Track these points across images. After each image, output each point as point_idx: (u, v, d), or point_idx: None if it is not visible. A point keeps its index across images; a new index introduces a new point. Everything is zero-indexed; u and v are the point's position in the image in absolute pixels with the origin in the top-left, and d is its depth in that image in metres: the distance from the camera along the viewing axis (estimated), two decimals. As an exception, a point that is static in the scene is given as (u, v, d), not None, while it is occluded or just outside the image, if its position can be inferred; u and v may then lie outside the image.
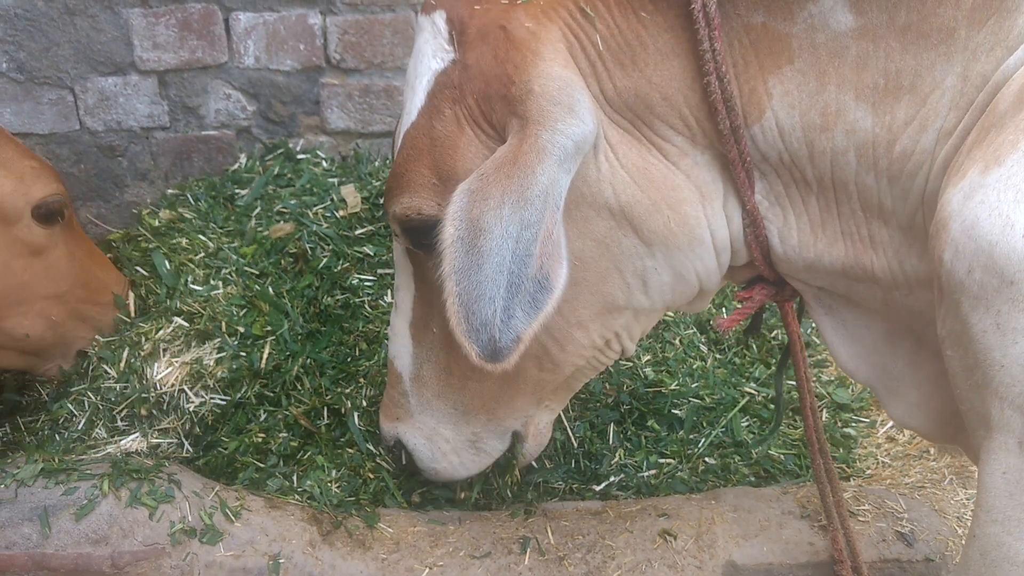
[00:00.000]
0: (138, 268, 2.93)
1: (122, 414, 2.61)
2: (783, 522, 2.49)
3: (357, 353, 2.82)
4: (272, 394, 2.74)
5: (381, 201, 3.11)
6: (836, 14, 1.62)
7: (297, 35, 3.23)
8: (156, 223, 3.03)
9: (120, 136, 3.34)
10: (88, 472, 2.24)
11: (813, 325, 2.99)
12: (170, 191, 3.32)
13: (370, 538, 2.33)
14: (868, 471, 2.88)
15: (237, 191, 3.26)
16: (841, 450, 2.90)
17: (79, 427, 2.59)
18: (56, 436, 2.58)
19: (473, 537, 2.38)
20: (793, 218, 1.81)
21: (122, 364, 2.66)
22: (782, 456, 2.77)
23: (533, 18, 1.73)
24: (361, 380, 2.75)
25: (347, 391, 2.70)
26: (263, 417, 2.69)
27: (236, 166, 3.36)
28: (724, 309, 3.21)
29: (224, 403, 2.61)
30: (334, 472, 2.52)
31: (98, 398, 2.63)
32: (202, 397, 2.62)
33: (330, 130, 3.41)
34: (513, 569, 2.32)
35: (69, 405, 2.63)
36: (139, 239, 3.03)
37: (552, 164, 1.61)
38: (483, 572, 2.31)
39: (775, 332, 3.26)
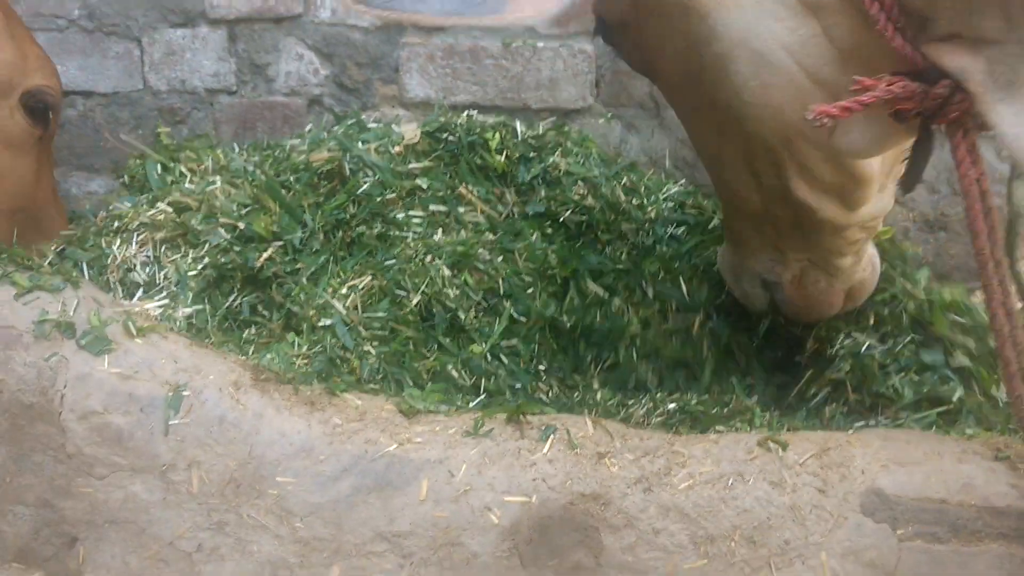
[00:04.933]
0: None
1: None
2: (963, 458, 1.59)
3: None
4: (266, 312, 2.15)
5: (443, 135, 2.61)
6: None
7: (378, -15, 2.93)
8: (172, 143, 2.64)
9: (183, 99, 3.05)
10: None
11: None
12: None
13: (325, 402, 1.62)
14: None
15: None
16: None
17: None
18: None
19: (472, 418, 1.62)
20: None
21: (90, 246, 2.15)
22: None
23: None
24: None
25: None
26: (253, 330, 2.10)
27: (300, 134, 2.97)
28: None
29: None
30: (305, 348, 1.86)
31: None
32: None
33: (408, 100, 3.00)
34: (524, 456, 1.54)
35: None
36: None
37: None
38: (476, 455, 1.53)
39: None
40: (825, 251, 1.89)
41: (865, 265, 2.01)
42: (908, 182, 1.62)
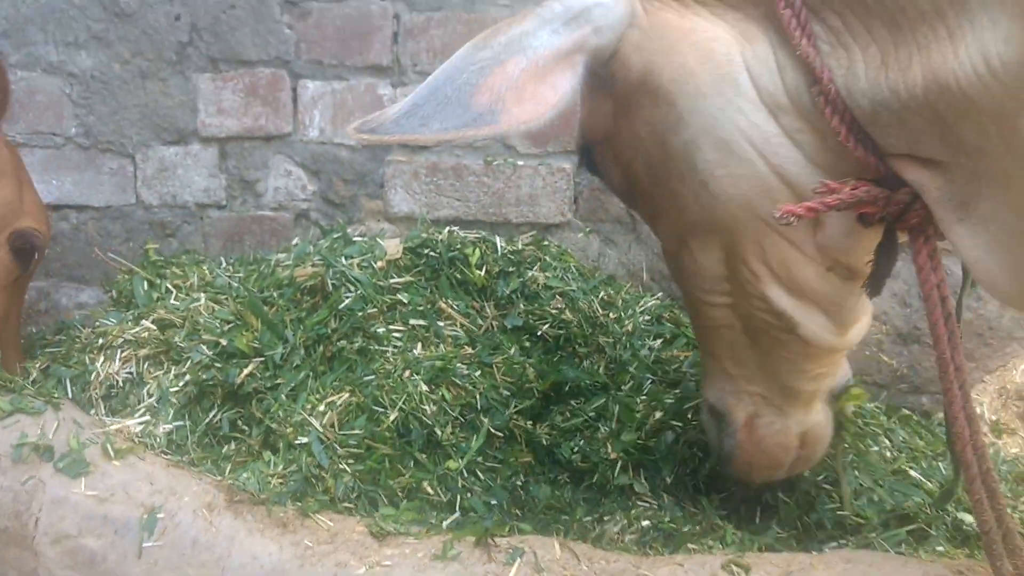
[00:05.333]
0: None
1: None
2: (926, 581, 1.61)
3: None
4: (246, 427, 2.19)
5: (424, 250, 2.68)
6: None
7: (365, 106, 3.04)
8: (159, 259, 2.71)
9: (174, 213, 3.13)
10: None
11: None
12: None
13: (297, 524, 1.65)
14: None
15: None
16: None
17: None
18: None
19: (442, 540, 1.64)
20: (859, 54, 1.43)
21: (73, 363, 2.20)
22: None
23: None
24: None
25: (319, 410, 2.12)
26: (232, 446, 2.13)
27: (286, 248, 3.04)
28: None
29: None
30: (281, 467, 1.89)
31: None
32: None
33: (393, 215, 3.09)
34: (490, 581, 1.55)
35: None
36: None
37: (530, 20, 1.63)
38: (445, 578, 1.55)
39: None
40: (787, 381, 1.80)
41: (819, 408, 1.92)
42: (874, 286, 1.67)
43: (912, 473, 2.27)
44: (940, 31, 1.31)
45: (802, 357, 1.75)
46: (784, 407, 1.84)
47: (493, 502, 2.13)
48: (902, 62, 1.36)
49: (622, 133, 1.71)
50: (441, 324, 2.51)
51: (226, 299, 2.44)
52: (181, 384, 2.16)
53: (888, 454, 2.41)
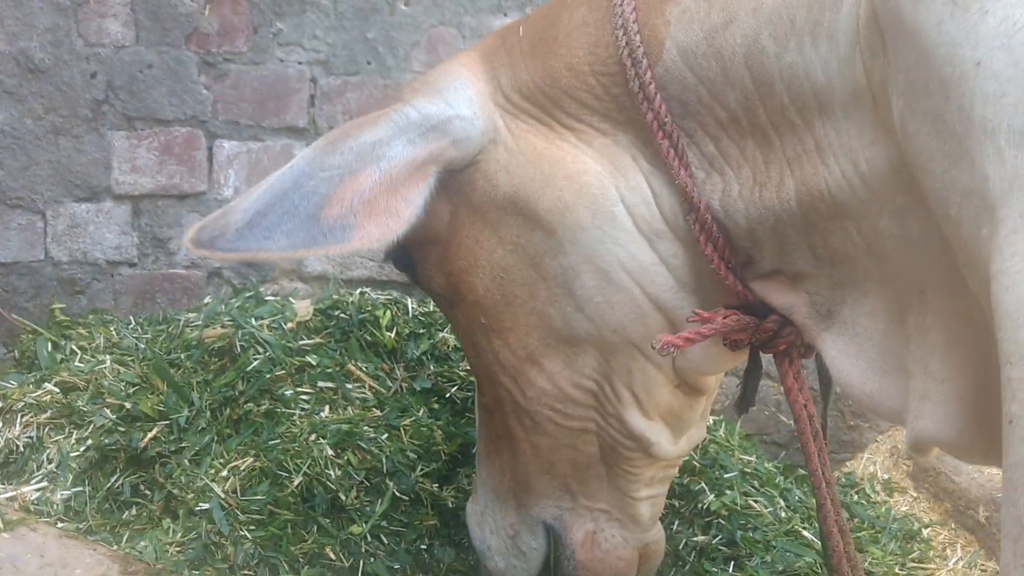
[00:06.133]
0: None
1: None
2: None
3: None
4: (148, 492, 2.17)
5: (335, 312, 2.71)
6: None
7: (280, 166, 3.07)
8: (65, 319, 2.70)
9: (84, 270, 3.11)
10: None
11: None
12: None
13: (194, 595, 1.65)
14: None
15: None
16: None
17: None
18: None
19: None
20: (733, 177, 1.46)
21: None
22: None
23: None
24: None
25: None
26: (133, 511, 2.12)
27: (197, 307, 3.04)
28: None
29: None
30: (180, 535, 1.88)
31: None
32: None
33: (306, 275, 3.12)
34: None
35: None
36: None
37: (384, 127, 1.57)
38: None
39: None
40: (630, 492, 1.78)
41: (657, 527, 1.91)
42: (742, 405, 1.74)
43: (805, 533, 2.36)
44: (808, 143, 1.35)
45: (644, 467, 1.76)
46: (626, 521, 1.81)
47: (396, 566, 2.15)
48: (774, 178, 1.40)
49: (462, 242, 1.66)
50: (350, 386, 2.53)
51: (132, 361, 2.43)
52: (82, 449, 2.14)
53: (783, 514, 2.49)
